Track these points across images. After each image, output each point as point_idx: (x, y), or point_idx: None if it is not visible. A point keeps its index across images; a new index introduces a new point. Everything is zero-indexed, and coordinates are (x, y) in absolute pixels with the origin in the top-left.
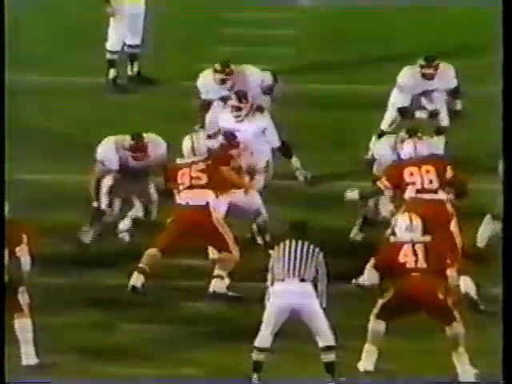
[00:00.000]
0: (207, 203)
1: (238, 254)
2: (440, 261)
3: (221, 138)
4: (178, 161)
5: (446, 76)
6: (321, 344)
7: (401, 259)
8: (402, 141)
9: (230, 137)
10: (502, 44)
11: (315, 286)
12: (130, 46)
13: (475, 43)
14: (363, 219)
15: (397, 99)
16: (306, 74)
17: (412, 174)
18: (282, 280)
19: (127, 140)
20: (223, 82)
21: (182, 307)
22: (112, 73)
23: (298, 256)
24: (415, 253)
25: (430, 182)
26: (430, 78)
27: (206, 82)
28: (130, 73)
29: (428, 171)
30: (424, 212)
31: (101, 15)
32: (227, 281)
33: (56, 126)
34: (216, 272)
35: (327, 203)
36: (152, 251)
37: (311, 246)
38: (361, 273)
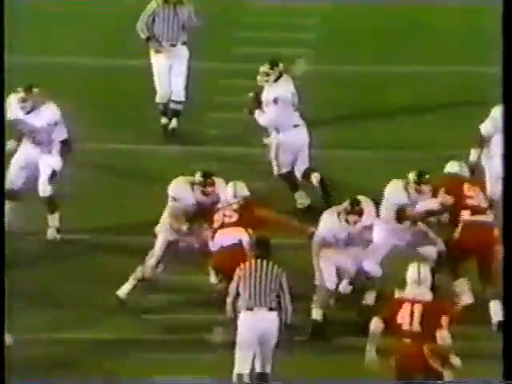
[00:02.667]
0: (240, 241)
1: None
2: (434, 323)
3: None
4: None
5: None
6: (258, 369)
7: (398, 319)
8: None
9: None
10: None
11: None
12: (173, 101)
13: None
14: None
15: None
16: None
17: (470, 189)
18: (251, 309)
19: (198, 176)
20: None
21: None
22: (163, 121)
23: (263, 281)
24: (412, 314)
25: (482, 201)
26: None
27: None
28: (170, 126)
29: (478, 189)
30: (477, 237)
31: None
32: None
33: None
34: None
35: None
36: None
37: (275, 267)
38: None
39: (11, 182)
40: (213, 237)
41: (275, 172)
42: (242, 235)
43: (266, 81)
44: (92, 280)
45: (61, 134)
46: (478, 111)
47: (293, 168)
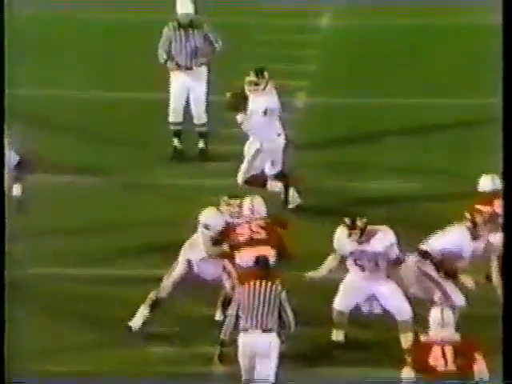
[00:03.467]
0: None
1: None
2: (468, 360)
3: None
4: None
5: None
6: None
7: (431, 362)
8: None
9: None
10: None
11: (279, 335)
12: (196, 124)
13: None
14: None
15: None
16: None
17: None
18: (246, 330)
19: (225, 199)
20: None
21: None
22: (176, 142)
23: (261, 303)
24: (444, 355)
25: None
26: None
27: None
28: (199, 146)
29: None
30: None
31: None
32: None
33: None
34: None
35: None
36: None
37: (273, 287)
38: None
39: None
40: (239, 250)
41: (241, 178)
42: (270, 254)
43: (255, 90)
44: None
45: (13, 159)
46: (476, 143)
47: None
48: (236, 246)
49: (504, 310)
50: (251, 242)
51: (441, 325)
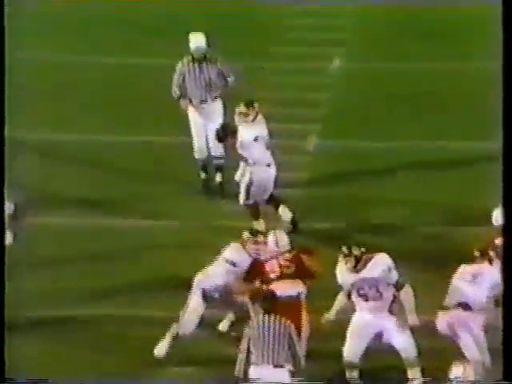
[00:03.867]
0: (299, 294)
1: None
2: None
3: None
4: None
5: None
6: None
7: None
8: None
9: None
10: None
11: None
12: (214, 157)
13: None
14: None
15: None
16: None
17: None
18: (257, 365)
19: (246, 234)
20: None
21: None
22: (203, 176)
23: (271, 337)
24: None
25: None
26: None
27: None
28: (217, 179)
29: None
30: None
31: None
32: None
33: None
34: None
35: None
36: None
37: (282, 321)
38: None
39: None
40: (268, 286)
41: (242, 201)
42: (300, 287)
43: (245, 121)
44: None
45: (8, 207)
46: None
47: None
48: (267, 283)
49: (504, 311)
50: (282, 278)
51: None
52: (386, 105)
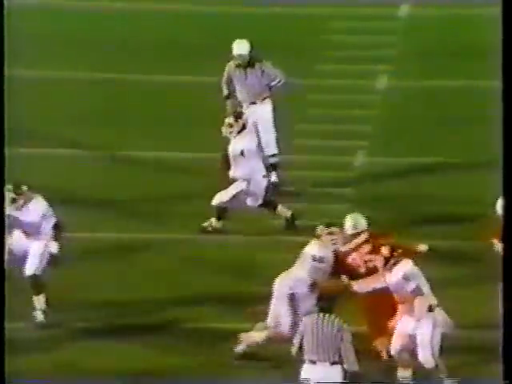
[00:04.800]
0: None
1: None
2: None
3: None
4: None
5: None
6: None
7: None
8: None
9: None
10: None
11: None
12: (268, 156)
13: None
14: None
15: None
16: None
17: None
18: (314, 362)
19: (322, 228)
20: None
21: None
22: (273, 176)
23: (325, 336)
24: None
25: None
26: None
27: None
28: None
29: None
30: None
31: None
32: None
33: None
34: None
35: None
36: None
37: (336, 321)
38: None
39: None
40: (356, 281)
41: (217, 201)
42: (383, 282)
43: (231, 132)
44: None
45: (50, 221)
46: None
47: None
48: (354, 277)
49: (504, 311)
50: (367, 273)
51: None
52: (434, 122)
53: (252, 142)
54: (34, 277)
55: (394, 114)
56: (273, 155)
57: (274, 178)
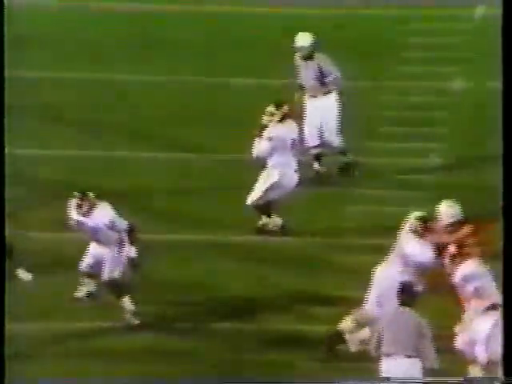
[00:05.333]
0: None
1: None
2: None
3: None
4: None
5: None
6: None
7: None
8: None
9: None
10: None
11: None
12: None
13: None
14: None
15: None
16: None
17: None
18: (390, 356)
19: (412, 220)
20: None
21: None
22: (316, 165)
23: (403, 329)
24: None
25: None
26: None
27: None
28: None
29: None
30: None
31: None
32: None
33: None
34: None
35: None
36: None
37: (415, 315)
38: None
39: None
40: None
41: (250, 200)
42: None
43: (271, 120)
44: None
45: (121, 225)
46: None
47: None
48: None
49: (504, 310)
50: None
51: None
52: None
53: (287, 135)
54: (113, 281)
55: (470, 116)
56: (337, 148)
57: (316, 165)
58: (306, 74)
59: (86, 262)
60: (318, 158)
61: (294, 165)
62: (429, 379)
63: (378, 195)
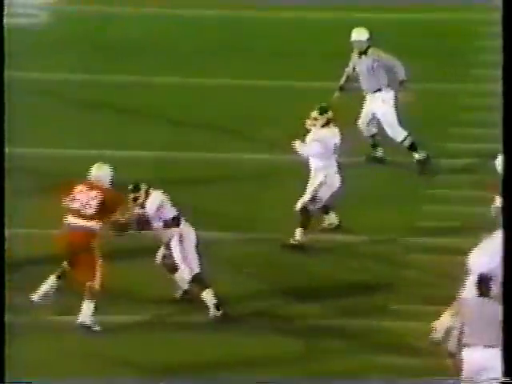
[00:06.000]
0: None
1: None
2: None
3: None
4: None
5: None
6: None
7: None
8: None
9: None
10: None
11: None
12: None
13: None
14: None
15: None
16: None
17: None
18: (470, 346)
19: None
20: None
21: None
22: (373, 153)
23: (481, 319)
24: None
25: None
26: None
27: None
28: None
29: None
30: None
31: None
32: None
33: None
34: None
35: None
36: None
37: (494, 305)
38: None
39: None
40: None
41: (300, 204)
42: None
43: (314, 125)
44: None
45: (169, 212)
46: None
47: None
48: None
49: (504, 309)
50: None
51: None
52: None
53: (330, 139)
54: (196, 275)
55: None
56: (402, 141)
57: (418, 156)
58: (361, 68)
59: (159, 255)
60: (374, 146)
61: (336, 169)
62: (425, 379)
63: (453, 195)
